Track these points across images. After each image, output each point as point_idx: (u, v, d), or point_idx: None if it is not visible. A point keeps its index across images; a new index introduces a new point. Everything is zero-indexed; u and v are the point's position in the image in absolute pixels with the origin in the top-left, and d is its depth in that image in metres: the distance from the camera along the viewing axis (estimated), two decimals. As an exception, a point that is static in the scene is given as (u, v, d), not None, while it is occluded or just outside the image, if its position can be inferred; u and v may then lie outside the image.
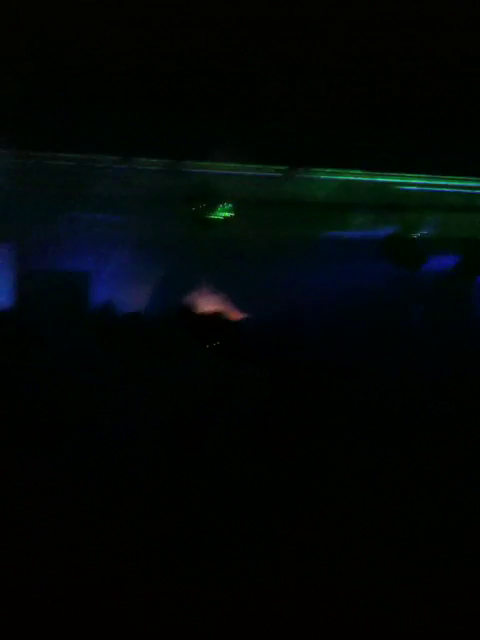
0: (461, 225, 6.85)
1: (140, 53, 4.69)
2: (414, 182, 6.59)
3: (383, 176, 6.45)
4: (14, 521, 4.88)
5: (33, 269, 6.06)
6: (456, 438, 5.78)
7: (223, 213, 6.25)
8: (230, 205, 6.25)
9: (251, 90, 5.14)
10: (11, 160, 5.79)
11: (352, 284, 6.26)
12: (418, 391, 6.10)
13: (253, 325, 5.95)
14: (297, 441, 5.67)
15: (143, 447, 5.48)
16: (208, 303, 5.90)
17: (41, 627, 4.25)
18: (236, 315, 5.91)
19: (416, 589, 4.65)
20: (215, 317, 5.92)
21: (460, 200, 6.76)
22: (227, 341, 5.89)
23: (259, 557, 4.77)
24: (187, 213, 6.21)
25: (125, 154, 5.95)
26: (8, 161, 5.79)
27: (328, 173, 6.36)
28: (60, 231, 5.85)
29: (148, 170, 6.10)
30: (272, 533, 4.95)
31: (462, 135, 5.68)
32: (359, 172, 6.38)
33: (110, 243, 6.01)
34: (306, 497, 5.26)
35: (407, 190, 6.59)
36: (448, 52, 4.69)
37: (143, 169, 6.09)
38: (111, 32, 4.44)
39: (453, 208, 6.78)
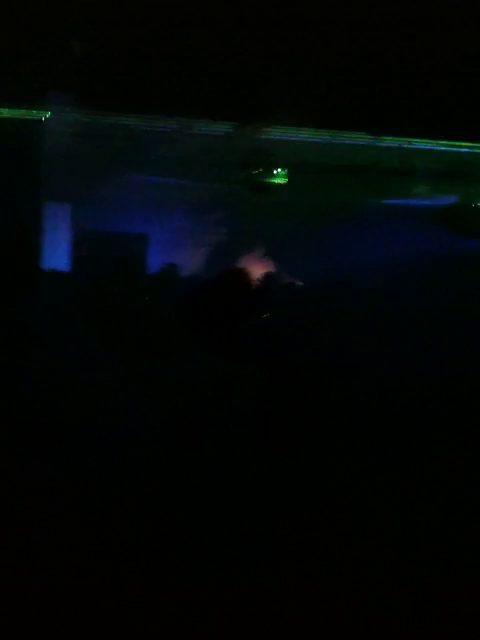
0: None
1: (199, 18, 4.65)
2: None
3: (444, 143, 6.14)
4: (14, 521, 4.88)
5: (88, 229, 6.12)
6: (456, 438, 5.78)
7: (279, 179, 6.20)
8: (286, 171, 6.18)
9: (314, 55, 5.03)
10: (72, 121, 5.80)
11: (403, 258, 6.06)
12: (421, 390, 6.08)
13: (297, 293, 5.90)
14: (297, 441, 5.67)
15: (143, 447, 5.49)
16: (259, 268, 5.88)
17: (41, 627, 4.25)
18: (284, 280, 5.88)
19: (416, 589, 4.65)
20: (264, 283, 5.90)
21: None
22: (275, 312, 5.86)
23: (259, 557, 4.77)
24: (243, 178, 6.15)
25: (184, 117, 5.90)
26: (69, 122, 5.80)
27: (388, 140, 6.12)
28: (117, 193, 5.89)
29: (206, 134, 6.01)
30: (272, 533, 4.95)
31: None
32: (418, 139, 6.11)
33: (166, 206, 6.03)
34: (306, 497, 5.26)
35: (470, 157, 6.23)
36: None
37: (201, 133, 6.01)
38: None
39: None
